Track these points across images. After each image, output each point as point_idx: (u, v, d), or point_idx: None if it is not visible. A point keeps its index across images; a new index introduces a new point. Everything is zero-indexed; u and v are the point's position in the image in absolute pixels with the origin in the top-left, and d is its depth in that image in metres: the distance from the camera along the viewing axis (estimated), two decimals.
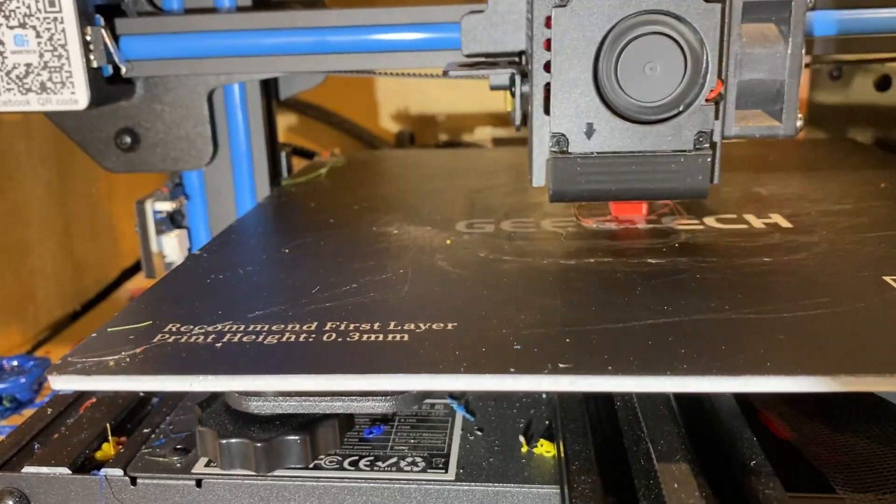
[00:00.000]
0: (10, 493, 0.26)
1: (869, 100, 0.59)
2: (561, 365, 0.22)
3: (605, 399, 0.28)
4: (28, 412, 0.36)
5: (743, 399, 0.27)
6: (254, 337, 0.24)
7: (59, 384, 0.22)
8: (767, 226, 0.35)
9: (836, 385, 0.21)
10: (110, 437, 0.28)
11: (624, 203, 0.36)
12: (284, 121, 0.76)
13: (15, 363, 0.41)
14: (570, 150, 0.29)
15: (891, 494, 0.23)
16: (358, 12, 0.39)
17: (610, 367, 0.21)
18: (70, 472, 0.26)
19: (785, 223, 0.35)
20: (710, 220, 0.36)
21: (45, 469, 0.26)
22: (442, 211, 0.39)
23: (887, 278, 0.27)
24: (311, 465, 0.26)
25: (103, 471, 0.26)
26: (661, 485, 0.22)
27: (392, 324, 0.25)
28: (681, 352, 0.22)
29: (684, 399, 0.27)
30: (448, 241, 0.34)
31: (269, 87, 0.47)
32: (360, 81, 0.77)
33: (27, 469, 0.26)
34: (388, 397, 0.24)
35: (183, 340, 0.24)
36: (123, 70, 0.40)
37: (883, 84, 0.58)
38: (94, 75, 0.38)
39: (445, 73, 0.35)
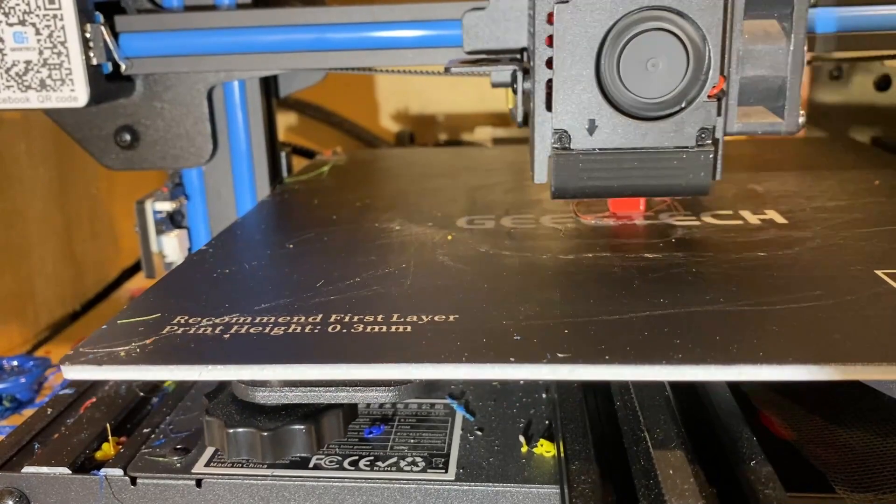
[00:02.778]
0: (10, 493, 0.26)
1: (869, 99, 0.59)
2: (560, 355, 0.22)
3: (605, 398, 0.29)
4: (28, 412, 0.36)
5: (743, 398, 0.27)
6: (260, 328, 0.25)
7: (71, 374, 0.23)
8: (763, 222, 0.35)
9: (827, 373, 0.21)
10: (110, 437, 0.28)
11: (622, 199, 0.36)
12: (284, 120, 0.76)
13: (15, 363, 0.41)
14: (572, 147, 0.29)
15: (890, 494, 0.23)
16: (358, 9, 0.39)
17: (607, 357, 0.22)
18: (70, 472, 0.26)
19: (780, 219, 0.35)
20: (706, 217, 0.36)
21: (45, 469, 0.26)
22: (443, 208, 0.39)
23: (879, 272, 0.28)
24: (311, 465, 0.26)
25: (103, 471, 0.26)
26: (660, 485, 0.22)
27: (395, 316, 0.25)
28: (676, 342, 0.23)
29: (684, 399, 0.27)
30: (449, 237, 0.34)
31: (268, 85, 0.47)
32: (361, 81, 0.77)
33: (27, 469, 0.26)
34: (391, 387, 0.24)
35: (191, 332, 0.25)
36: (123, 67, 0.40)
37: (883, 84, 0.58)
38: (93, 73, 0.38)
39: (447, 70, 0.35)
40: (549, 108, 0.29)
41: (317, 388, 0.24)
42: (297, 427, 0.24)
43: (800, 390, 0.27)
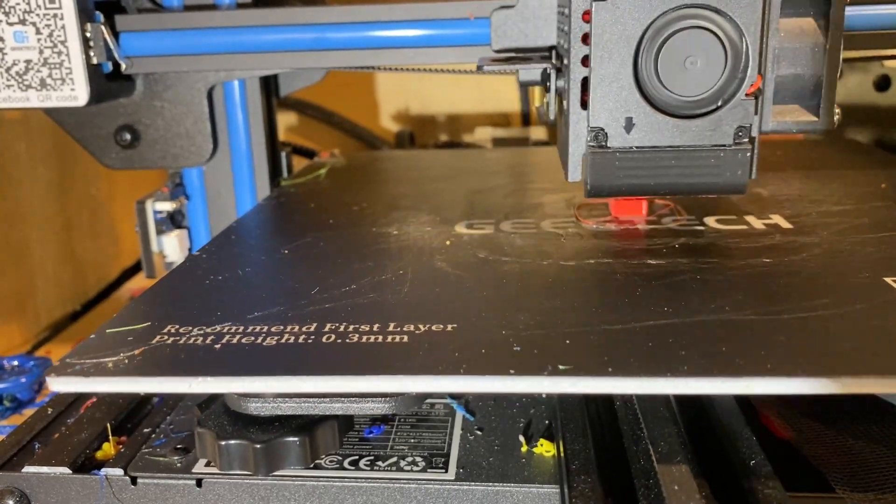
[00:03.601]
0: (11, 492, 0.26)
1: (868, 100, 0.59)
2: (561, 366, 0.21)
3: (605, 399, 0.28)
4: (28, 412, 0.36)
5: (743, 399, 0.27)
6: (253, 338, 0.24)
7: (57, 386, 0.22)
8: (768, 226, 0.34)
9: (837, 387, 0.20)
10: (111, 437, 0.28)
11: (624, 204, 0.36)
12: (284, 120, 0.76)
13: (15, 363, 0.41)
14: (608, 145, 0.29)
15: (891, 494, 0.23)
16: (358, 8, 0.39)
17: (610, 369, 0.21)
18: (70, 471, 0.26)
19: (785, 224, 0.35)
20: (710, 221, 0.35)
21: (45, 469, 0.26)
22: (441, 212, 0.39)
23: (888, 279, 0.27)
24: (310, 466, 0.26)
25: (104, 470, 0.26)
26: (660, 485, 0.22)
27: (391, 325, 0.25)
28: (681, 353, 0.22)
29: (684, 398, 0.27)
30: (448, 242, 0.34)
31: (269, 85, 0.47)
32: (361, 81, 0.77)
33: (28, 469, 0.26)
34: (388, 398, 0.24)
35: (182, 342, 0.24)
36: (123, 67, 0.40)
37: (882, 84, 0.58)
38: (93, 72, 0.38)
39: (479, 68, 0.34)
40: (584, 106, 0.29)
41: (311, 400, 0.24)
42: (290, 439, 0.24)
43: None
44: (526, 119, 0.77)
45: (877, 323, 0.24)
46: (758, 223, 0.35)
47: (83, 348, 0.24)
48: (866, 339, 0.23)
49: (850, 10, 0.35)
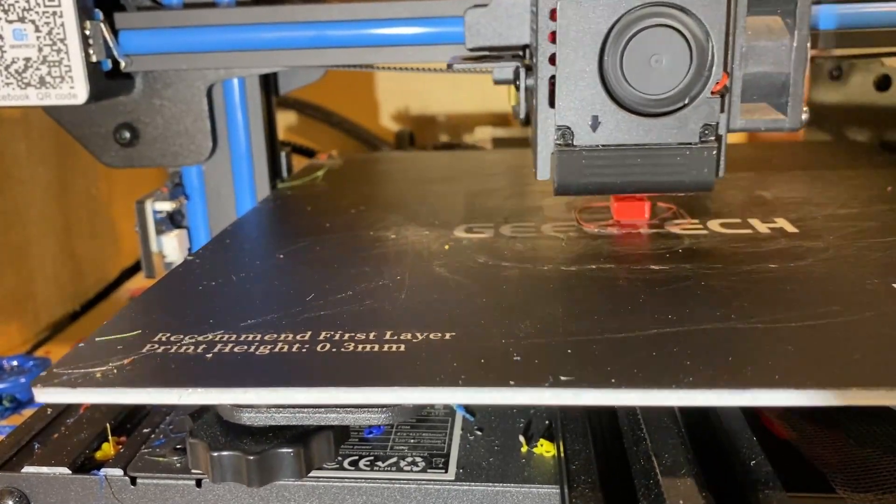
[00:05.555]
0: (10, 492, 0.26)
1: (869, 100, 0.59)
2: (563, 377, 0.21)
3: None
4: (28, 412, 0.36)
5: None
6: (245, 347, 0.24)
7: (44, 397, 0.22)
8: (773, 231, 0.34)
9: (848, 399, 0.20)
10: (110, 437, 0.28)
11: (626, 207, 0.36)
12: (284, 120, 0.76)
13: (15, 363, 0.41)
14: (575, 143, 0.29)
15: (890, 494, 0.23)
16: (358, 6, 0.39)
17: (613, 380, 0.21)
18: (70, 472, 0.26)
19: (790, 228, 0.34)
20: (713, 225, 0.35)
21: (45, 469, 0.26)
22: (440, 215, 0.38)
23: None
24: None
25: (103, 471, 0.26)
26: (657, 475, 0.21)
27: (388, 333, 0.24)
28: (686, 363, 0.22)
29: None
30: (446, 247, 0.33)
31: (268, 84, 0.47)
32: (360, 81, 0.77)
33: (27, 469, 0.26)
34: (384, 409, 0.23)
35: (172, 351, 0.24)
36: (122, 64, 0.40)
37: (883, 84, 0.58)
38: (93, 70, 0.38)
39: (449, 66, 0.35)
40: (551, 104, 0.29)
41: (306, 410, 0.23)
42: (284, 450, 0.23)
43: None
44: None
45: (887, 331, 0.23)
46: (762, 227, 0.34)
47: (72, 357, 0.23)
48: (877, 348, 0.22)
49: (850, 8, 0.35)
